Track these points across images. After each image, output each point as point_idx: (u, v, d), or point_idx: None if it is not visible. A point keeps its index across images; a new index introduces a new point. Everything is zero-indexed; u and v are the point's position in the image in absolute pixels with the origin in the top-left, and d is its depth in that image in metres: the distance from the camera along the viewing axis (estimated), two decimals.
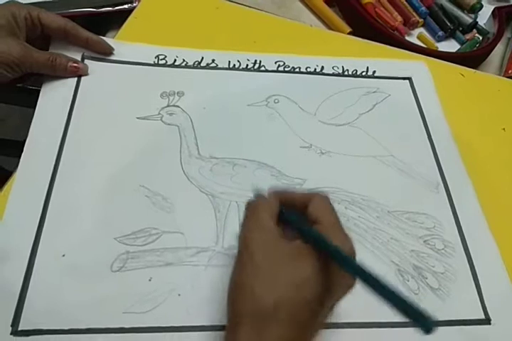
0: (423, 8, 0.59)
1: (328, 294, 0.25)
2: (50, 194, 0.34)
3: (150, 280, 0.32)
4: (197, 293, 0.31)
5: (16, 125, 0.38)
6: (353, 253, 0.26)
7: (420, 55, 0.51)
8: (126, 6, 0.48)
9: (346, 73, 0.47)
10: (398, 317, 0.32)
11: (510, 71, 0.56)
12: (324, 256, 0.25)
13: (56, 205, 0.34)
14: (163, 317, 0.30)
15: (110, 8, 0.47)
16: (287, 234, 0.27)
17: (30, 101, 0.40)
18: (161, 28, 0.48)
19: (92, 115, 0.39)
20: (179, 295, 0.31)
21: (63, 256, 0.32)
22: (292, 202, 0.28)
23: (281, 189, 0.29)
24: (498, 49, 0.58)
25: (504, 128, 0.47)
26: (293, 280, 0.24)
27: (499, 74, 0.56)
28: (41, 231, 0.33)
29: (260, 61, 0.46)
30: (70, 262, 0.31)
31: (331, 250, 0.24)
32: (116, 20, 0.48)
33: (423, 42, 0.58)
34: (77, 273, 0.31)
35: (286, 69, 0.46)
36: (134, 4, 0.48)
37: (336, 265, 0.25)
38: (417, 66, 0.50)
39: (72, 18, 0.42)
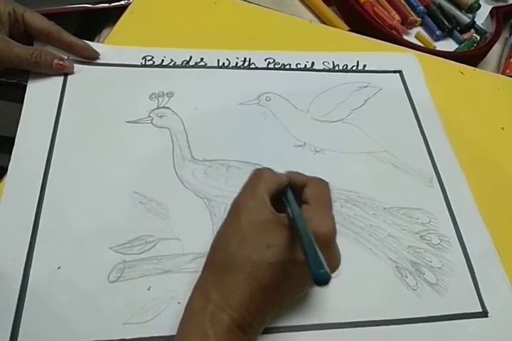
0: (421, 8, 0.58)
1: (294, 265, 0.27)
2: (41, 205, 0.33)
3: (149, 289, 0.31)
4: None
5: (11, 121, 0.37)
6: (329, 234, 0.27)
7: (419, 53, 0.51)
8: (122, 2, 0.47)
9: (337, 68, 0.47)
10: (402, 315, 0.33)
11: (507, 71, 0.56)
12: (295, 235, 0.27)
13: (47, 216, 0.33)
14: (164, 327, 0.30)
15: (106, 4, 0.46)
16: (281, 209, 0.29)
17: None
18: (158, 23, 0.47)
19: (80, 121, 0.38)
20: (179, 303, 0.31)
21: (59, 268, 0.31)
22: (296, 183, 0.31)
23: (295, 172, 0.33)
24: (496, 49, 0.58)
25: (503, 128, 0.47)
26: (262, 244, 0.27)
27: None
28: (34, 244, 0.32)
29: (250, 59, 0.45)
30: (66, 274, 0.31)
31: (298, 226, 0.26)
32: (112, 17, 0.47)
33: (421, 41, 0.57)
34: (74, 285, 0.31)
35: (276, 66, 0.45)
36: (130, 0, 0.47)
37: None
38: (407, 58, 0.50)
39: (68, 13, 0.41)
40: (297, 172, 0.33)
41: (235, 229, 0.28)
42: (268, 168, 0.31)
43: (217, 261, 0.28)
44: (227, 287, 0.26)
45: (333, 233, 0.27)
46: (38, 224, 0.33)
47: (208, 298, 0.26)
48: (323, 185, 0.30)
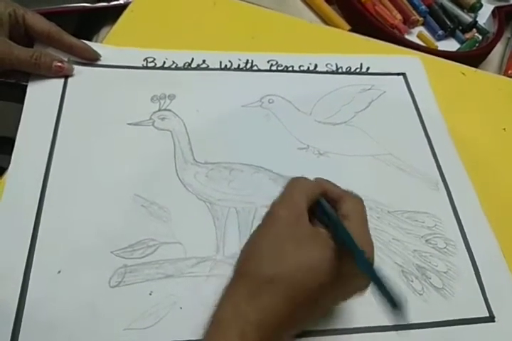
0: (423, 7, 0.58)
1: (332, 287, 0.25)
2: (41, 207, 0.33)
3: (150, 294, 0.31)
4: (199, 305, 0.30)
5: (11, 122, 0.37)
6: (372, 253, 0.26)
7: (421, 53, 0.51)
8: (121, 1, 0.47)
9: (340, 70, 0.46)
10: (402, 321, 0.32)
11: (509, 71, 0.55)
12: (340, 250, 0.25)
13: (48, 219, 0.33)
14: (165, 332, 0.29)
15: (105, 3, 0.46)
16: (314, 223, 0.27)
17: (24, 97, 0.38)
18: (158, 22, 0.47)
19: (81, 122, 0.38)
20: (181, 308, 0.30)
21: (59, 272, 0.30)
22: (329, 194, 0.29)
23: (325, 180, 0.31)
24: (498, 49, 0.58)
25: (505, 129, 0.46)
26: (299, 262, 0.25)
27: (499, 74, 0.55)
28: (34, 247, 0.31)
29: (252, 60, 0.45)
30: (66, 279, 0.30)
31: (353, 247, 0.24)
32: (111, 16, 0.46)
33: (423, 41, 0.57)
34: (74, 290, 0.30)
35: (279, 68, 0.45)
36: None
37: (351, 262, 0.25)
38: (411, 61, 0.50)
39: (67, 13, 0.40)
40: (328, 181, 0.31)
41: (269, 239, 0.26)
42: (304, 178, 0.30)
43: (250, 273, 0.26)
44: (263, 306, 0.24)
45: (373, 256, 0.27)
46: (38, 227, 0.32)
47: (240, 314, 0.24)
48: (360, 201, 0.29)
